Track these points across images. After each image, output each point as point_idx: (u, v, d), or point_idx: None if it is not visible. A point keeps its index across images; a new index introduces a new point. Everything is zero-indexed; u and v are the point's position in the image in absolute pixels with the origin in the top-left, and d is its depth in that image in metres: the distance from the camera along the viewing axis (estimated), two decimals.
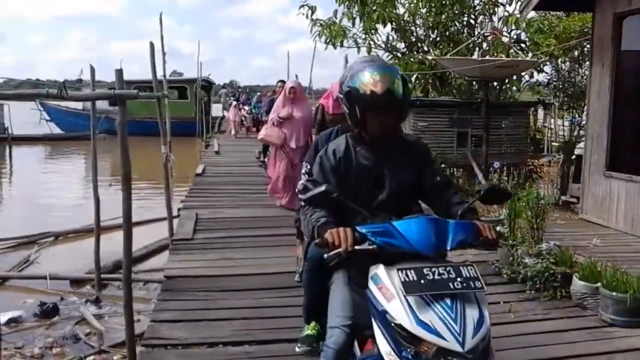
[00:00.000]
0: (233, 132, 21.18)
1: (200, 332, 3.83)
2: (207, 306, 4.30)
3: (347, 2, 12.13)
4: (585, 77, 8.74)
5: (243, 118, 22.05)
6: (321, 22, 12.81)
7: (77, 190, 12.72)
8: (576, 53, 11.33)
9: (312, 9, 12.89)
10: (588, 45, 8.19)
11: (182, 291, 4.59)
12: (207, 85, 26.02)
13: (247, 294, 4.58)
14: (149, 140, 11.00)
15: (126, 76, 4.60)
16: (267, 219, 7.23)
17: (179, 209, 7.92)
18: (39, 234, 8.31)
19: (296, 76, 17.23)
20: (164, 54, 14.02)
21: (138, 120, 20.78)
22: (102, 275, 6.17)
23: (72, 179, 15.29)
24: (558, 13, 11.51)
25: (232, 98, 27.46)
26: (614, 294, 3.94)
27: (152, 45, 7.40)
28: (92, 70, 6.74)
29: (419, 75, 12.34)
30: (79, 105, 23.56)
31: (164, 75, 13.98)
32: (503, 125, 9.61)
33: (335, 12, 12.73)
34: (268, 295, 4.58)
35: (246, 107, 22.10)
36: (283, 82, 10.27)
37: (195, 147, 17.97)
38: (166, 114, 12.80)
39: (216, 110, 27.53)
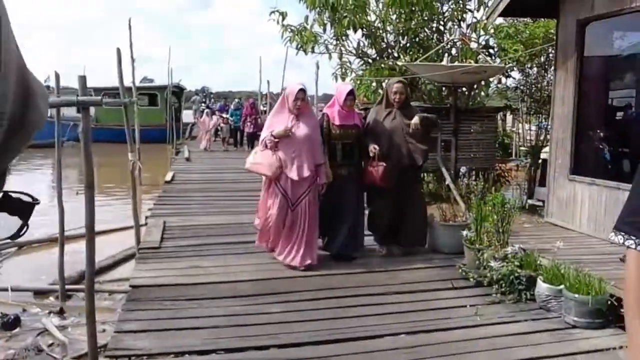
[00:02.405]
0: (203, 144, 18.43)
1: (165, 341, 3.78)
2: (173, 315, 4.24)
3: (318, 8, 12.17)
4: (550, 83, 8.91)
5: (219, 128, 19.81)
6: (292, 28, 12.82)
7: (43, 199, 12.41)
8: (542, 59, 11.56)
9: (283, 15, 12.90)
10: (553, 51, 8.35)
11: (148, 300, 4.52)
12: (178, 91, 25.77)
13: (216, 302, 4.53)
14: (119, 147, 10.85)
15: (96, 83, 4.57)
16: (237, 225, 7.17)
17: (146, 217, 7.81)
18: (0, 244, 8.10)
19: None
20: (133, 60, 13.90)
21: (108, 127, 20.50)
22: (67, 286, 6.03)
23: (37, 187, 14.97)
24: (525, 19, 11.73)
25: (202, 104, 27.06)
26: (576, 296, 4.02)
27: (119, 51, 7.31)
28: (57, 77, 6.65)
29: (388, 79, 12.42)
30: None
31: (133, 82, 13.86)
32: (472, 130, 9.71)
33: (307, 18, 12.77)
34: (237, 303, 4.54)
35: (224, 115, 19.78)
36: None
37: (166, 154, 17.77)
38: (135, 121, 12.68)
39: (187, 116, 27.27)
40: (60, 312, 5.66)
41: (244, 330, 3.97)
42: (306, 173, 5.12)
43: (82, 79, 5.12)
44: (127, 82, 11.53)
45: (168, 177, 11.37)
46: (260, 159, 5.20)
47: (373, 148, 5.41)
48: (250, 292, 4.74)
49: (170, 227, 7.02)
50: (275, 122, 5.25)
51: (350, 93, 5.52)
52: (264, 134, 5.25)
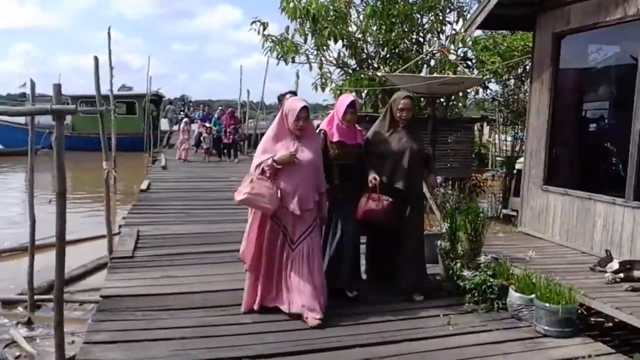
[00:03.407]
0: (182, 155, 17.15)
1: (135, 353, 3.71)
2: (145, 326, 4.17)
3: (299, 19, 12.22)
4: (527, 94, 9.04)
5: (202, 138, 18.78)
6: (273, 37, 12.85)
7: (14, 207, 12.23)
8: (519, 70, 11.73)
9: (264, 25, 12.93)
10: (529, 63, 8.47)
11: (119, 311, 4.44)
12: (157, 99, 25.62)
13: (188, 313, 4.46)
14: (95, 155, 10.72)
15: (73, 90, 4.52)
16: (212, 235, 7.12)
17: (120, 226, 7.71)
18: None
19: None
20: (111, 68, 13.81)
21: (85, 135, 20.26)
22: (36, 296, 5.92)
23: (10, 195, 14.70)
24: (503, 32, 11.91)
25: (181, 113, 26.78)
26: (547, 305, 4.05)
27: (96, 59, 7.26)
28: (33, 84, 6.59)
29: (369, 91, 12.50)
30: (22, 119, 22.80)
31: (111, 90, 13.75)
32: (449, 141, 9.80)
33: (287, 28, 12.81)
34: (210, 313, 4.48)
35: (206, 125, 18.52)
36: (292, 92, 7.24)
37: (143, 162, 17.62)
38: (111, 129, 12.56)
39: (163, 124, 27.09)
40: (29, 323, 5.55)
41: (216, 341, 3.91)
42: (310, 205, 4.26)
43: (57, 87, 5.04)
44: (105, 90, 11.42)
45: (144, 186, 11.26)
46: (258, 190, 4.15)
47: (373, 178, 4.60)
48: (223, 302, 4.68)
49: (144, 236, 6.94)
50: (274, 146, 4.28)
51: (351, 105, 4.67)
52: (259, 158, 4.27)
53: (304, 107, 4.28)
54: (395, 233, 4.78)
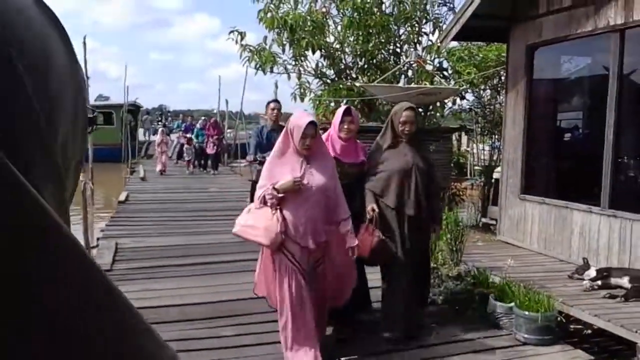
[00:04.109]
0: (159, 167, 16.46)
1: None
2: None
3: (277, 29, 12.25)
4: (502, 104, 9.17)
5: (184, 149, 18.12)
6: (251, 47, 12.85)
7: None
8: (495, 81, 11.90)
9: (242, 35, 12.93)
10: (504, 74, 8.61)
11: None
12: (135, 109, 25.39)
13: (168, 327, 4.41)
14: None
15: None
16: (192, 247, 7.05)
17: (98, 239, 7.60)
18: None
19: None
20: (87, 78, 13.65)
21: None
22: None
23: None
24: (478, 43, 12.09)
25: (159, 123, 26.44)
26: (526, 313, 4.09)
27: None
28: None
29: (348, 102, 12.56)
30: None
31: (87, 100, 13.57)
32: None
33: (265, 38, 12.82)
34: (190, 326, 4.43)
35: (187, 136, 17.78)
36: (276, 101, 6.86)
37: (121, 173, 17.41)
38: (88, 140, 12.36)
39: (142, 135, 26.85)
40: None
41: (196, 355, 3.87)
42: (321, 238, 3.63)
43: None
44: None
45: (122, 197, 11.13)
46: (254, 221, 3.59)
47: (371, 209, 4.04)
48: (203, 315, 4.64)
49: (123, 248, 6.85)
50: (280, 168, 3.64)
51: (348, 113, 4.13)
52: (262, 183, 3.68)
53: (311, 123, 3.61)
54: (411, 261, 4.16)
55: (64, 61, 0.46)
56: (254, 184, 6.34)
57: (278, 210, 3.58)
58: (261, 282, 3.94)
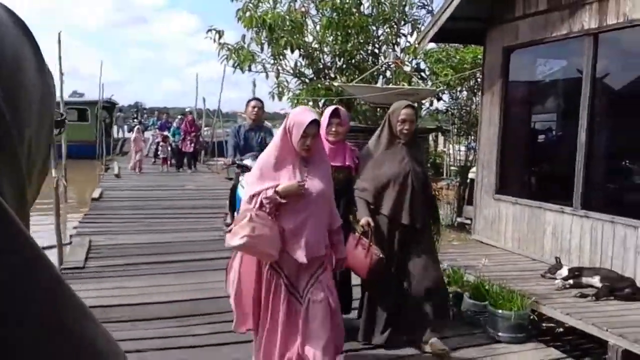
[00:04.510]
0: (131, 164, 16.03)
1: None
2: None
3: (255, 28, 12.20)
4: (478, 106, 9.28)
5: (160, 147, 17.70)
6: (229, 46, 12.79)
7: None
8: (471, 82, 12.04)
9: (220, 33, 12.85)
10: (481, 76, 8.71)
11: None
12: (110, 106, 25.04)
13: (142, 325, 4.37)
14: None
15: None
16: (168, 244, 6.99)
17: (71, 236, 7.48)
18: None
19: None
20: (61, 74, 13.42)
21: None
22: None
23: None
24: (455, 45, 12.21)
25: (134, 120, 26.07)
26: (500, 311, 4.14)
27: None
28: None
29: (326, 101, 12.58)
30: None
31: (61, 96, 13.34)
32: None
33: (244, 37, 12.77)
34: (164, 325, 4.39)
35: (165, 134, 17.31)
36: (257, 99, 6.63)
37: (95, 170, 17.15)
38: (62, 136, 12.18)
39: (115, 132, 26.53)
40: None
41: (171, 354, 3.84)
42: (321, 251, 3.21)
43: None
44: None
45: (96, 194, 10.96)
46: (260, 231, 3.06)
47: (367, 223, 3.73)
48: (178, 313, 4.60)
49: (97, 246, 6.76)
50: (275, 171, 3.19)
51: (335, 114, 3.78)
52: (254, 187, 3.20)
53: (314, 122, 3.17)
54: (400, 267, 3.94)
55: (33, 69, 0.49)
56: (234, 188, 6.20)
57: (275, 219, 3.16)
58: (234, 299, 3.39)
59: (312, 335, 3.15)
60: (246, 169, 5.81)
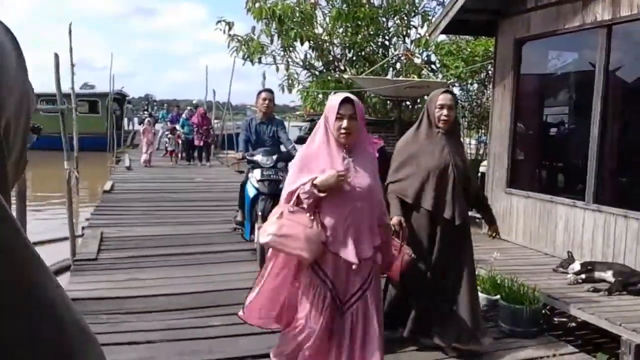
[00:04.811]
0: (143, 157, 15.57)
1: None
2: (109, 329, 4.09)
3: (264, 19, 12.20)
4: (489, 99, 9.23)
5: (167, 140, 17.56)
6: (239, 38, 12.79)
7: None
8: (482, 75, 11.98)
9: (230, 25, 12.86)
10: (492, 69, 8.65)
11: (83, 314, 4.23)
12: (120, 98, 25.15)
13: (155, 316, 4.40)
14: (56, 155, 10.46)
15: (34, 87, 4.36)
16: (178, 237, 7.02)
17: (83, 228, 7.54)
18: None
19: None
20: (72, 65, 13.49)
21: (45, 134, 19.73)
22: None
23: None
24: (466, 37, 12.14)
25: (145, 112, 26.12)
26: (512, 305, 4.13)
27: (56, 56, 7.07)
28: None
29: (336, 93, 12.57)
30: None
31: (72, 88, 13.42)
32: None
33: (253, 28, 12.77)
34: (177, 316, 4.42)
35: (177, 127, 16.91)
36: (268, 90, 6.30)
37: (106, 162, 17.26)
38: (73, 128, 12.26)
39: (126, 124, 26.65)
40: None
41: (182, 345, 3.86)
42: (369, 251, 2.90)
43: None
44: (66, 89, 11.14)
45: (107, 187, 11.03)
46: (289, 229, 2.80)
47: (399, 223, 3.47)
48: (190, 305, 4.63)
49: (108, 238, 6.81)
50: (315, 164, 2.89)
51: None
52: (293, 182, 2.89)
53: (347, 101, 2.86)
54: (435, 267, 3.71)
55: (14, 68, 0.53)
56: (243, 185, 6.07)
57: (316, 215, 2.85)
58: (257, 308, 3.12)
59: (353, 356, 2.88)
60: (257, 164, 5.72)
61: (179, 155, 16.65)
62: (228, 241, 6.78)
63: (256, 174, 5.67)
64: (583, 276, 4.93)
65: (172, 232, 7.31)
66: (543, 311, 4.27)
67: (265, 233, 2.88)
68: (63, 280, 6.36)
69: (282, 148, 6.05)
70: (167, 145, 17.35)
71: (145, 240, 6.82)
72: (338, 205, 2.85)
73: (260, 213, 5.44)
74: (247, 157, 5.81)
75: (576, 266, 5.06)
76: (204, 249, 6.43)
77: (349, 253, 2.82)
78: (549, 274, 5.24)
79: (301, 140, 10.93)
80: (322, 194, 2.79)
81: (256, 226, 5.45)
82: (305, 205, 2.84)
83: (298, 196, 2.84)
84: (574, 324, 4.97)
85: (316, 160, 2.90)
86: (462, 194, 3.68)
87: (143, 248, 6.44)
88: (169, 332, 4.06)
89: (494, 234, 4.08)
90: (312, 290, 2.89)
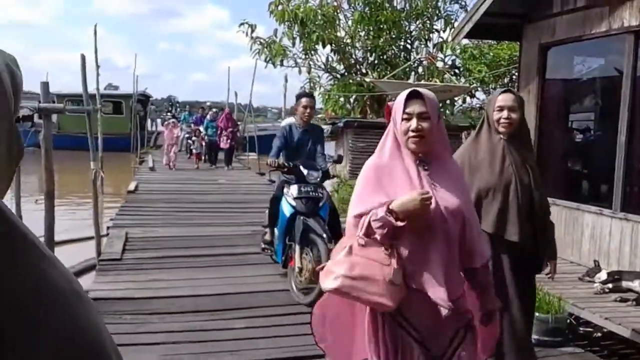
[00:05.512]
0: (165, 160, 15.51)
1: (124, 356, 3.57)
2: (133, 330, 4.15)
3: (287, 22, 12.27)
4: None
5: (190, 142, 17.27)
6: (261, 40, 12.88)
7: None
8: (506, 80, 11.88)
9: (252, 27, 12.97)
10: (516, 73, 8.58)
11: (107, 314, 4.40)
12: (144, 99, 25.46)
13: (178, 317, 4.45)
14: (81, 155, 10.61)
15: (58, 88, 4.47)
16: (201, 238, 7.09)
17: (108, 228, 7.64)
18: None
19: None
20: (97, 66, 13.69)
21: (71, 134, 20.07)
22: None
23: None
24: (489, 41, 12.06)
25: (168, 114, 26.36)
26: (537, 314, 4.09)
27: (83, 57, 7.18)
28: None
29: (357, 97, 12.57)
30: None
31: (97, 89, 13.62)
32: None
33: (276, 31, 12.86)
34: (200, 318, 4.46)
35: (200, 129, 16.41)
36: (309, 96, 5.73)
37: (130, 163, 17.48)
38: (98, 129, 12.43)
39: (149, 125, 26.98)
40: None
41: (205, 346, 3.90)
42: (459, 290, 2.23)
43: (45, 86, 5.02)
44: (91, 89, 11.30)
45: (131, 187, 11.18)
46: (364, 269, 2.13)
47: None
48: (213, 306, 4.67)
49: (133, 238, 6.89)
50: (387, 181, 2.21)
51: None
52: (361, 204, 2.21)
53: (414, 96, 2.20)
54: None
55: None
56: (275, 199, 5.27)
57: (392, 250, 2.15)
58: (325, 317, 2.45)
59: None
60: (299, 178, 5.02)
61: (203, 158, 16.33)
62: (249, 243, 6.81)
63: (293, 190, 4.96)
64: (610, 286, 4.86)
65: (195, 233, 7.37)
66: (568, 321, 4.21)
67: (332, 276, 2.18)
68: (88, 279, 6.47)
69: (319, 162, 5.30)
70: (192, 147, 17.06)
71: (168, 241, 6.89)
72: (419, 235, 2.16)
73: (297, 235, 4.81)
74: (289, 166, 5.05)
75: (603, 275, 4.98)
76: (225, 251, 6.48)
77: (438, 294, 2.11)
78: (574, 282, 5.17)
79: None
80: (400, 224, 2.09)
81: (299, 255, 4.81)
82: (378, 237, 2.14)
83: (368, 224, 2.15)
84: (600, 334, 4.90)
85: (389, 176, 2.21)
86: (530, 215, 3.04)
87: (166, 249, 6.51)
88: (191, 334, 4.10)
89: (552, 275, 3.29)
90: (393, 344, 2.16)
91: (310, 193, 4.93)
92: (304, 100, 5.33)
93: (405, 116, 2.18)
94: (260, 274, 5.60)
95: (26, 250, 0.58)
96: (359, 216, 2.18)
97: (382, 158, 2.25)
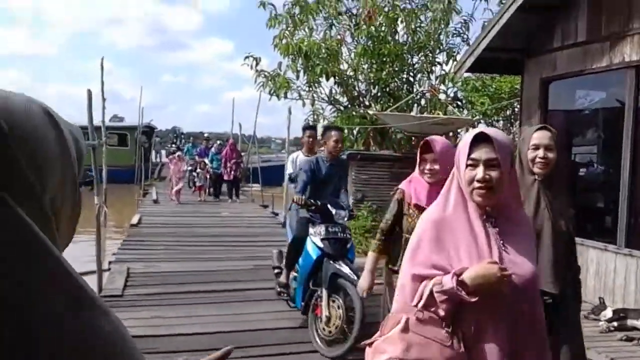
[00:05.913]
0: (173, 194, 15.04)
1: None
2: None
3: (291, 55, 12.41)
4: (516, 136, 9.18)
5: (195, 174, 16.85)
6: (266, 73, 13.02)
7: None
8: (508, 112, 11.94)
9: (257, 60, 13.11)
10: (518, 106, 8.63)
11: None
12: (149, 130, 25.64)
13: (178, 356, 4.39)
14: (85, 189, 10.65)
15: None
16: (205, 273, 7.05)
17: (109, 262, 7.62)
18: None
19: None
20: (103, 99, 13.80)
21: None
22: None
23: None
24: (491, 74, 12.17)
25: (173, 146, 26.46)
26: None
27: (89, 92, 7.26)
28: None
29: (361, 129, 12.64)
30: None
31: (103, 122, 13.70)
32: None
33: (280, 64, 12.99)
34: (201, 356, 4.39)
35: (206, 161, 16.19)
36: (339, 129, 5.43)
37: (134, 195, 17.53)
38: (102, 162, 12.48)
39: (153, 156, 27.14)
40: None
41: None
42: None
43: None
44: (97, 121, 11.39)
45: (134, 220, 11.17)
46: (421, 351, 1.75)
47: None
48: (215, 344, 4.59)
49: (135, 273, 6.87)
50: (449, 234, 1.85)
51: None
52: (418, 266, 1.85)
53: (481, 139, 1.86)
54: None
55: (53, 142, 0.61)
56: (298, 240, 4.89)
57: (448, 324, 1.79)
58: None
59: None
60: (325, 217, 4.71)
61: (207, 190, 16.12)
62: (252, 279, 6.77)
63: (320, 230, 4.64)
64: (615, 324, 4.79)
65: (197, 268, 7.34)
66: None
67: (384, 357, 1.81)
68: None
69: (342, 199, 5.01)
70: (195, 180, 16.74)
71: (170, 277, 6.86)
72: (486, 311, 1.78)
73: (326, 279, 4.49)
74: (313, 203, 4.72)
75: (608, 313, 4.92)
76: (228, 287, 6.43)
77: None
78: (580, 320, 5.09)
79: None
80: (473, 299, 1.73)
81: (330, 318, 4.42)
82: (441, 311, 1.78)
83: (430, 293, 1.78)
84: None
85: (450, 232, 1.85)
86: (564, 262, 2.77)
87: (168, 284, 6.47)
88: None
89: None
90: None
91: (339, 234, 4.64)
92: (334, 134, 5.00)
93: (470, 162, 1.85)
94: (262, 311, 5.55)
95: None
96: (419, 278, 1.82)
97: (445, 211, 1.90)
